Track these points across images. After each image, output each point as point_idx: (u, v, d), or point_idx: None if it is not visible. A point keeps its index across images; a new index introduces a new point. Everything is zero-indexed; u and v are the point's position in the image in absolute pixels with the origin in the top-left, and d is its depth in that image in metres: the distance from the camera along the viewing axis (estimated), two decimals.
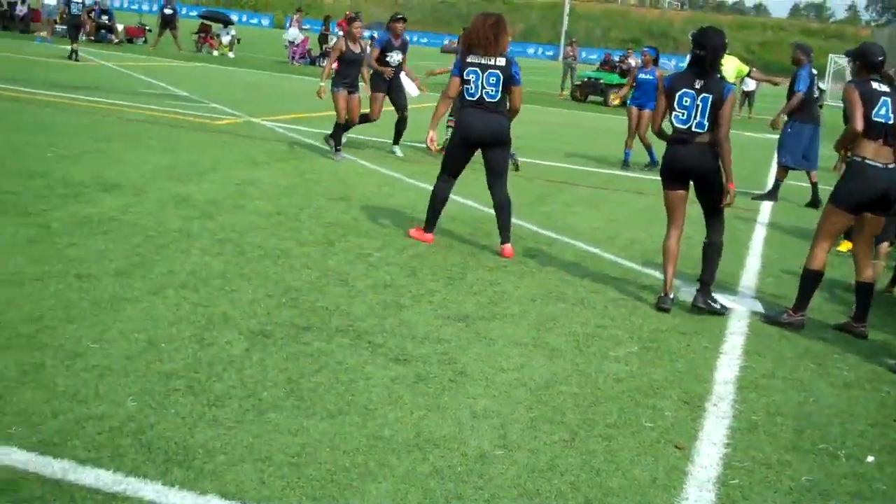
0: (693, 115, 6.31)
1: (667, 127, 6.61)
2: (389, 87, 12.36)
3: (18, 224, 6.84)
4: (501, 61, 7.41)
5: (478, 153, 7.76)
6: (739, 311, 6.75)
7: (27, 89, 15.69)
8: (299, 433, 3.96)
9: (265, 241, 7.18)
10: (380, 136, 14.28)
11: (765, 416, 4.80)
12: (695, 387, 5.11)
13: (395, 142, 12.77)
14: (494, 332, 5.63)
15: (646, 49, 14.26)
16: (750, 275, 7.94)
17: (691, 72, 6.36)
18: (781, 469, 4.19)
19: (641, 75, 13.94)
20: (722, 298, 6.90)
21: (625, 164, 13.95)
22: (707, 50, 6.28)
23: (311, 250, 7.09)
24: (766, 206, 11.76)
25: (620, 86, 25.43)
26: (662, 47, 74.85)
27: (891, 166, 6.13)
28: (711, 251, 6.69)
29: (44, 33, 30.87)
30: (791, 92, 11.98)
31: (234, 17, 65.02)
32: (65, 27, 30.05)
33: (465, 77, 7.44)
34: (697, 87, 6.27)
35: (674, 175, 6.53)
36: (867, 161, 6.14)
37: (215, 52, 34.45)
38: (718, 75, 6.37)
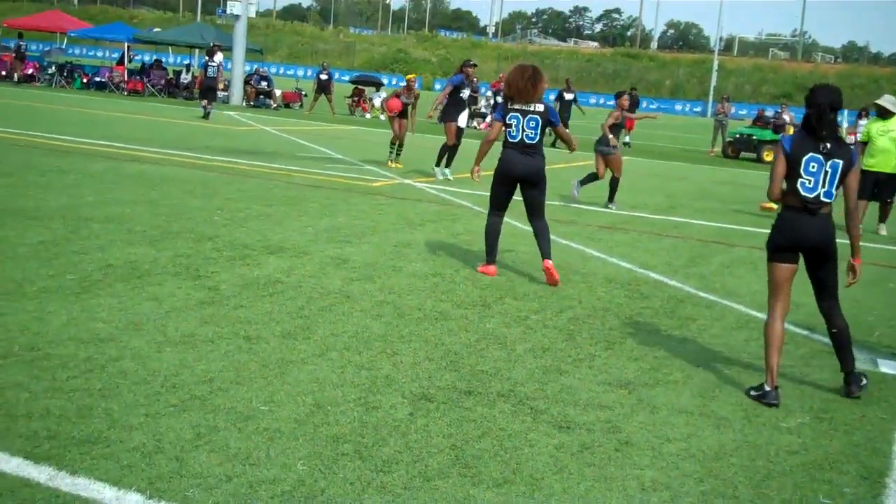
0: (821, 182, 5.77)
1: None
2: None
3: (191, 286, 7.12)
4: (540, 107, 8.39)
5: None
6: None
7: (192, 154, 16.45)
8: (466, 502, 3.95)
9: (423, 303, 7.26)
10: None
11: None
12: (873, 461, 4.87)
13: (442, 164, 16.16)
14: (658, 400, 5.51)
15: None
16: None
17: (810, 135, 5.78)
18: None
19: None
20: (892, 364, 6.61)
21: None
22: (812, 108, 5.76)
23: (469, 312, 7.13)
24: None
25: (774, 142, 24.92)
26: None
27: None
28: (842, 338, 6.04)
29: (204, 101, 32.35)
30: None
31: (385, 80, 67.00)
32: (226, 94, 31.54)
33: (508, 122, 8.39)
34: (824, 151, 5.73)
35: (791, 247, 5.91)
36: None
37: (368, 115, 35.40)
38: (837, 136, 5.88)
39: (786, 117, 29.42)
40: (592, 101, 77.01)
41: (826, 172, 5.71)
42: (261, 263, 8.11)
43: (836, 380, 6.21)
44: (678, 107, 74.74)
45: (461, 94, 16.16)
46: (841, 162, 5.71)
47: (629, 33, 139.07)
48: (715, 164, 26.80)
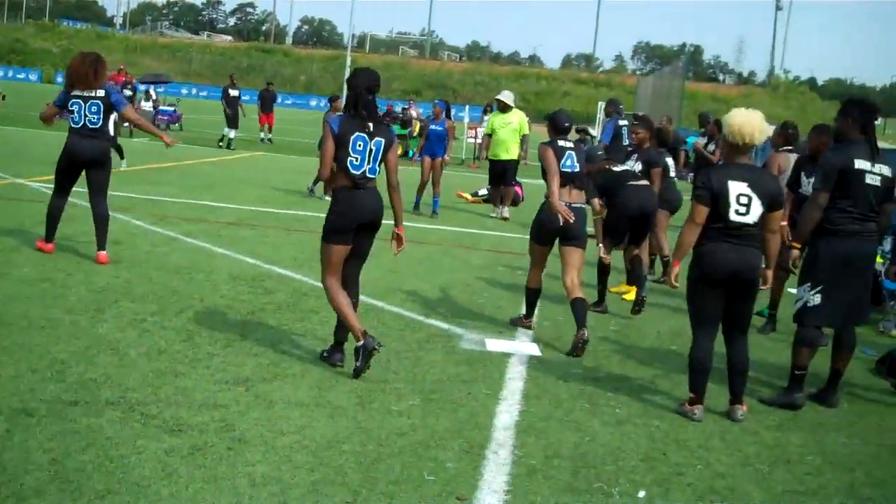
0: (366, 159, 6.10)
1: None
2: None
3: None
4: (101, 92, 8.64)
5: None
6: (518, 355, 6.93)
7: None
8: None
9: (30, 310, 6.79)
10: (154, 195, 13.91)
11: (543, 459, 4.92)
12: (476, 435, 5.19)
13: None
14: (275, 395, 5.52)
15: (437, 102, 15.84)
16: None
17: (354, 117, 6.10)
18: None
19: (433, 127, 15.29)
20: (501, 343, 7.10)
21: (416, 209, 14.66)
22: (351, 91, 6.19)
23: (80, 318, 6.76)
24: None
25: (401, 136, 25.92)
26: (442, 97, 76.79)
27: (575, 205, 7.47)
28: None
29: None
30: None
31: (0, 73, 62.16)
32: None
33: (70, 108, 8.61)
34: (368, 131, 6.08)
35: (347, 227, 6.16)
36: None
37: None
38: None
39: (412, 112, 30.64)
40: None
41: (370, 150, 6.06)
42: None
43: (447, 361, 6.56)
44: (313, 102, 75.48)
45: None
46: (383, 140, 6.11)
47: (264, 28, 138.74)
48: None
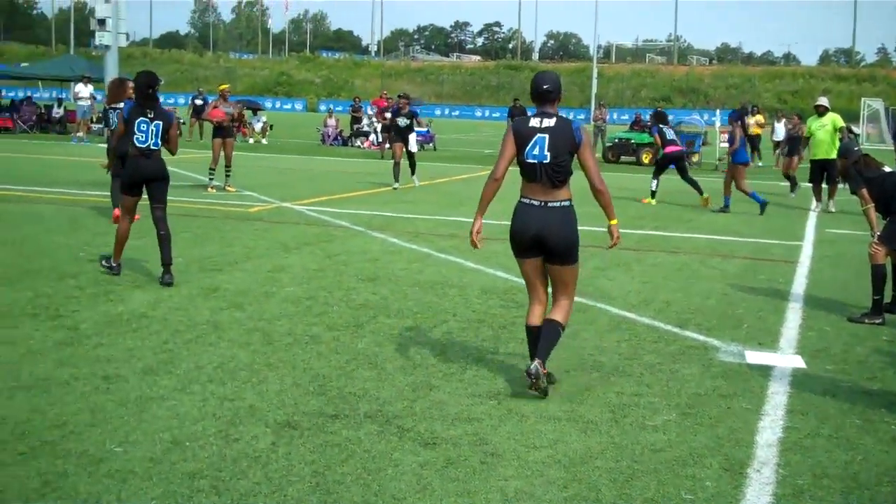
0: (150, 136, 8.67)
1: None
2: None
3: (49, 327, 6.86)
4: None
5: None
6: (781, 368, 6.56)
7: (63, 190, 15.95)
8: None
9: (293, 328, 7.14)
10: (409, 213, 14.33)
11: (810, 479, 4.61)
12: (736, 453, 4.94)
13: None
14: (526, 408, 5.50)
15: (731, 113, 17.77)
16: (790, 329, 7.74)
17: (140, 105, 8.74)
18: None
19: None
20: (761, 355, 6.77)
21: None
22: (134, 90, 8.86)
23: (340, 334, 7.03)
24: (806, 254, 11.55)
25: (651, 144, 25.46)
26: (693, 103, 75.13)
27: (552, 204, 5.70)
28: None
29: (80, 133, 31.50)
30: None
31: (268, 104, 66.37)
32: (100, 126, 30.69)
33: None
34: (150, 116, 8.61)
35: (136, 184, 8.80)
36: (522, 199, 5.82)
37: (250, 140, 34.97)
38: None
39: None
40: (479, 114, 77.77)
41: (152, 130, 8.54)
42: (125, 299, 7.87)
43: (704, 375, 6.31)
44: (563, 114, 75.76)
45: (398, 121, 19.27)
46: (161, 123, 8.59)
47: (511, 45, 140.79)
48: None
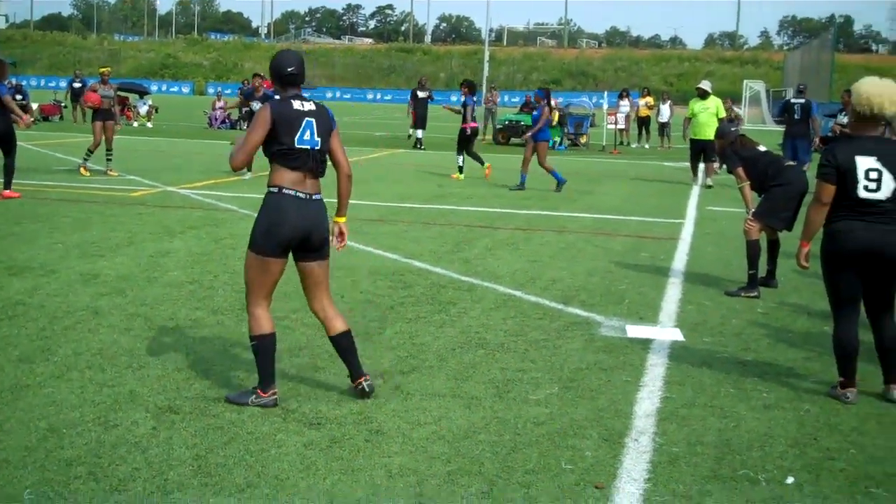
0: None
1: None
2: None
3: None
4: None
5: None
6: (660, 341, 6.74)
7: None
8: None
9: (176, 313, 7.03)
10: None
11: (685, 446, 4.76)
12: (615, 423, 5.07)
13: None
14: (412, 386, 5.54)
15: (537, 92, 17.90)
16: (670, 303, 7.96)
17: None
18: (702, 500, 4.15)
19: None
20: (642, 329, 6.94)
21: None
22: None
23: (225, 318, 6.95)
24: (688, 231, 11.87)
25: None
26: (583, 85, 76.19)
27: (316, 197, 5.13)
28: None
29: None
30: None
31: (154, 87, 64.85)
32: None
33: None
34: None
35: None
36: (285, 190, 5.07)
37: (135, 124, 34.12)
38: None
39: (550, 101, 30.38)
40: (370, 96, 77.38)
41: None
42: (1, 286, 7.63)
43: (586, 349, 6.45)
44: (453, 97, 76.03)
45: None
46: None
47: (403, 28, 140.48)
48: (486, 151, 27.38)
